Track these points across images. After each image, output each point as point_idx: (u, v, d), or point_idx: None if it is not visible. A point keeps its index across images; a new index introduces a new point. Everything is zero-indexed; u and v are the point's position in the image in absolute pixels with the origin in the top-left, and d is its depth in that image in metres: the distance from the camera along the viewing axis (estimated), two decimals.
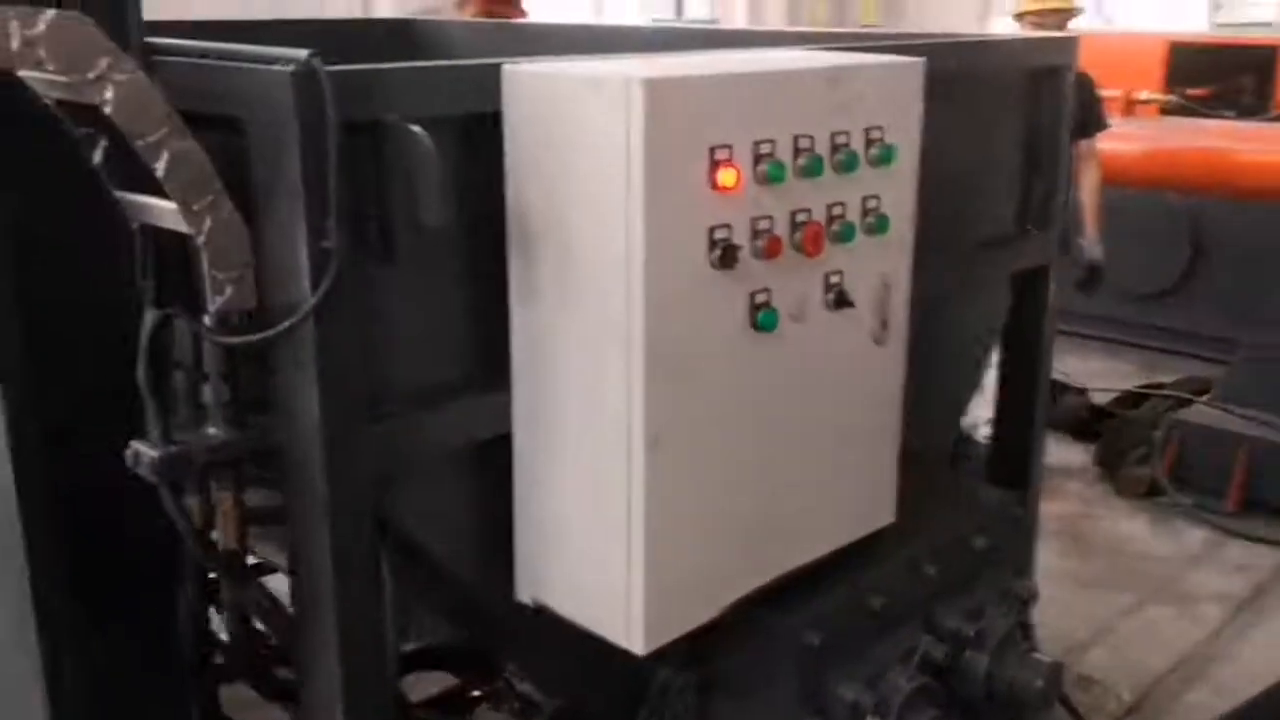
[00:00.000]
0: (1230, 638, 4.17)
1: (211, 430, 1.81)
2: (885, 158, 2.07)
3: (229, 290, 1.75)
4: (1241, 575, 4.60)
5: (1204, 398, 5.41)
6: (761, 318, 1.93)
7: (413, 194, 1.75)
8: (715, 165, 1.82)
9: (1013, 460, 3.19)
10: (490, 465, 2.03)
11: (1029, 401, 3.18)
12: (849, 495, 2.25)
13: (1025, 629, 2.54)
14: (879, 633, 2.28)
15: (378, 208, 1.79)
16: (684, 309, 1.84)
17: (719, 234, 1.85)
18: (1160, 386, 5.88)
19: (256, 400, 1.84)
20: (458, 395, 1.97)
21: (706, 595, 2.02)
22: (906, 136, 2.12)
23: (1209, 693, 3.77)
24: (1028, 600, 2.56)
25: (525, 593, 2.07)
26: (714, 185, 1.82)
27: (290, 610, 1.97)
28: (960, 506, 2.60)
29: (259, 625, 2.10)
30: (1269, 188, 5.72)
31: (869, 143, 2.04)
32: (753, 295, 1.93)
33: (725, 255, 1.84)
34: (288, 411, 1.81)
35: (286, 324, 1.71)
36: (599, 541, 1.92)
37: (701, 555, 1.98)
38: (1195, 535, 4.89)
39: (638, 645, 1.92)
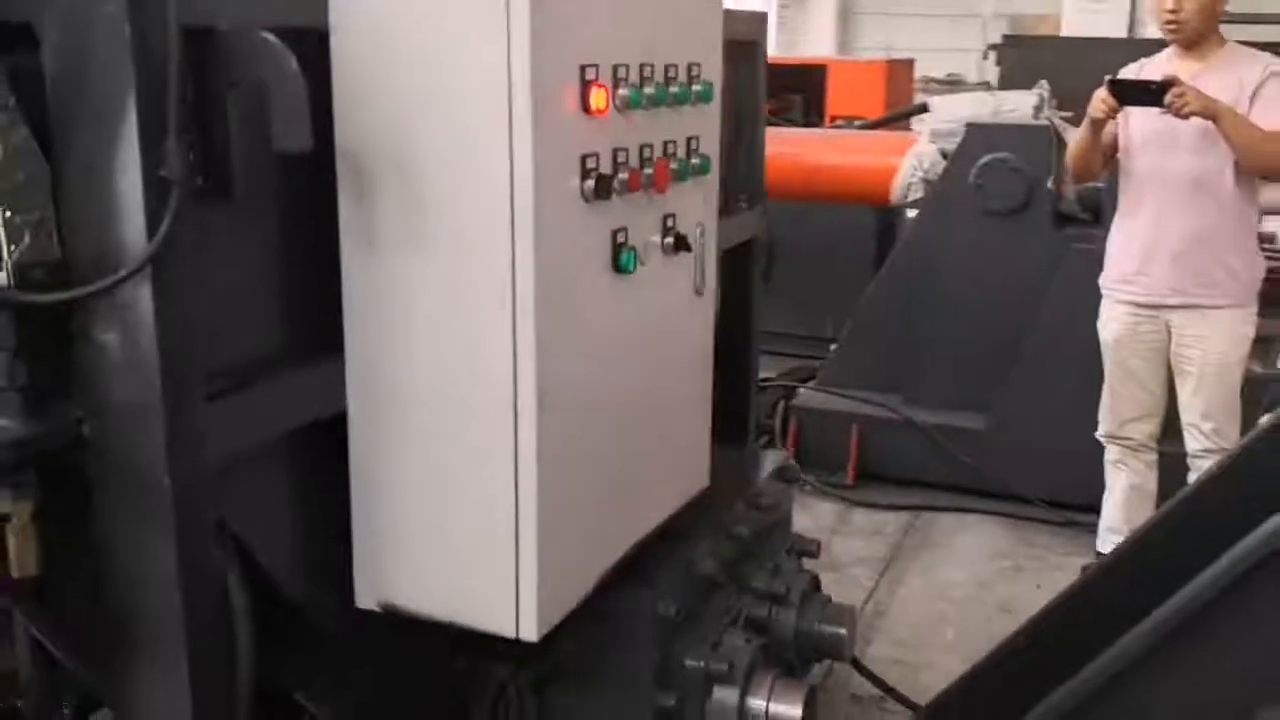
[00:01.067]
0: (884, 594, 4.48)
1: (3, 422, 1.40)
2: (706, 95, 2.00)
3: (27, 237, 1.36)
4: (876, 539, 4.97)
5: (811, 383, 5.80)
6: (623, 258, 1.80)
7: (262, 115, 1.46)
8: (587, 86, 1.67)
9: (734, 420, 3.22)
10: (317, 450, 1.74)
11: (743, 367, 3.24)
12: (679, 459, 2.15)
13: (815, 581, 2.56)
14: (708, 599, 2.20)
15: (208, 135, 1.47)
16: (563, 248, 1.67)
17: (589, 163, 1.70)
18: (767, 380, 6.25)
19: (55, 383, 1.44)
20: (304, 363, 1.67)
21: (583, 570, 1.84)
22: (716, 76, 2.07)
23: (889, 645, 4.01)
24: (814, 553, 2.58)
25: (368, 598, 1.79)
26: (586, 108, 1.67)
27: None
28: (742, 467, 2.58)
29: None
30: (837, 191, 6.26)
31: (691, 78, 1.97)
32: (615, 234, 1.79)
33: (599, 185, 1.69)
34: (109, 392, 1.43)
35: (124, 273, 1.36)
36: (473, 525, 1.69)
37: (580, 526, 1.80)
38: (826, 508, 5.22)
39: (530, 632, 1.71)
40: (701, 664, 2.06)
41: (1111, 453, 4.53)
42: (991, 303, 5.29)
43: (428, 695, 2.05)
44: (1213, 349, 4.12)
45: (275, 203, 1.63)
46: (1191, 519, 2.33)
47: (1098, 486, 4.65)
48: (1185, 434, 4.30)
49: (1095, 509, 4.70)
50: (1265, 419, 2.42)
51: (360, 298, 1.69)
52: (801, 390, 5.75)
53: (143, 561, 1.47)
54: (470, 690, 2.04)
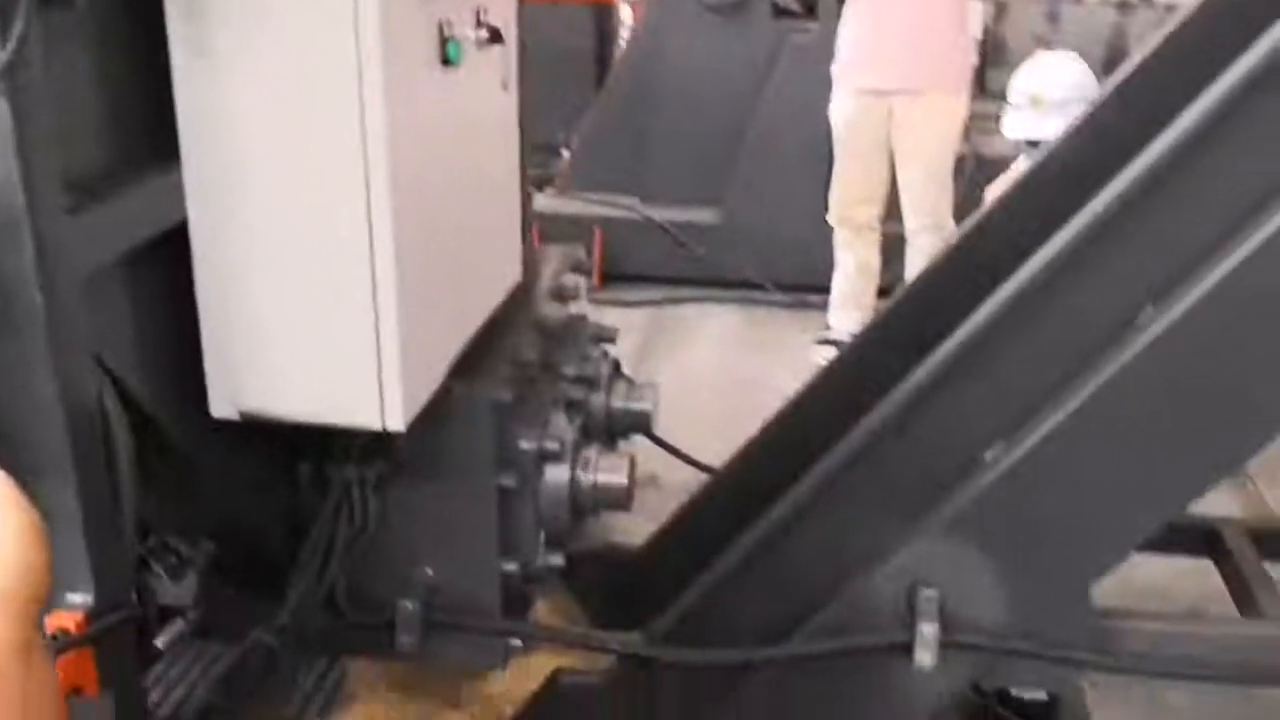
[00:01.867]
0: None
1: None
2: None
3: None
4: (627, 335, 5.13)
5: (549, 189, 5.87)
6: (450, 49, 1.80)
7: None
8: None
9: None
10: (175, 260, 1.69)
11: None
12: (500, 252, 2.20)
13: (616, 364, 2.70)
14: (532, 386, 2.29)
15: None
16: (401, 40, 1.65)
17: None
18: None
19: None
20: (161, 170, 1.61)
21: (436, 358, 1.89)
22: None
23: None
24: (613, 339, 2.71)
25: (225, 406, 1.78)
26: None
27: None
28: (539, 262, 2.65)
29: None
30: None
31: None
32: (440, 26, 1.78)
33: None
34: None
35: None
36: (330, 319, 1.70)
37: (431, 315, 1.84)
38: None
39: (396, 422, 1.76)
40: (535, 445, 2.16)
41: (840, 235, 4.87)
42: (717, 98, 5.48)
43: (272, 507, 2.07)
44: (931, 132, 4.46)
45: (117, 10, 1.54)
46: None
47: (825, 268, 5.01)
48: (905, 213, 4.68)
49: (824, 289, 5.07)
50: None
51: (196, 103, 1.63)
52: (541, 197, 5.80)
53: (18, 385, 1.42)
54: (312, 497, 2.07)
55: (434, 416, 2.00)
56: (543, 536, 2.22)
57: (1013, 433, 2.07)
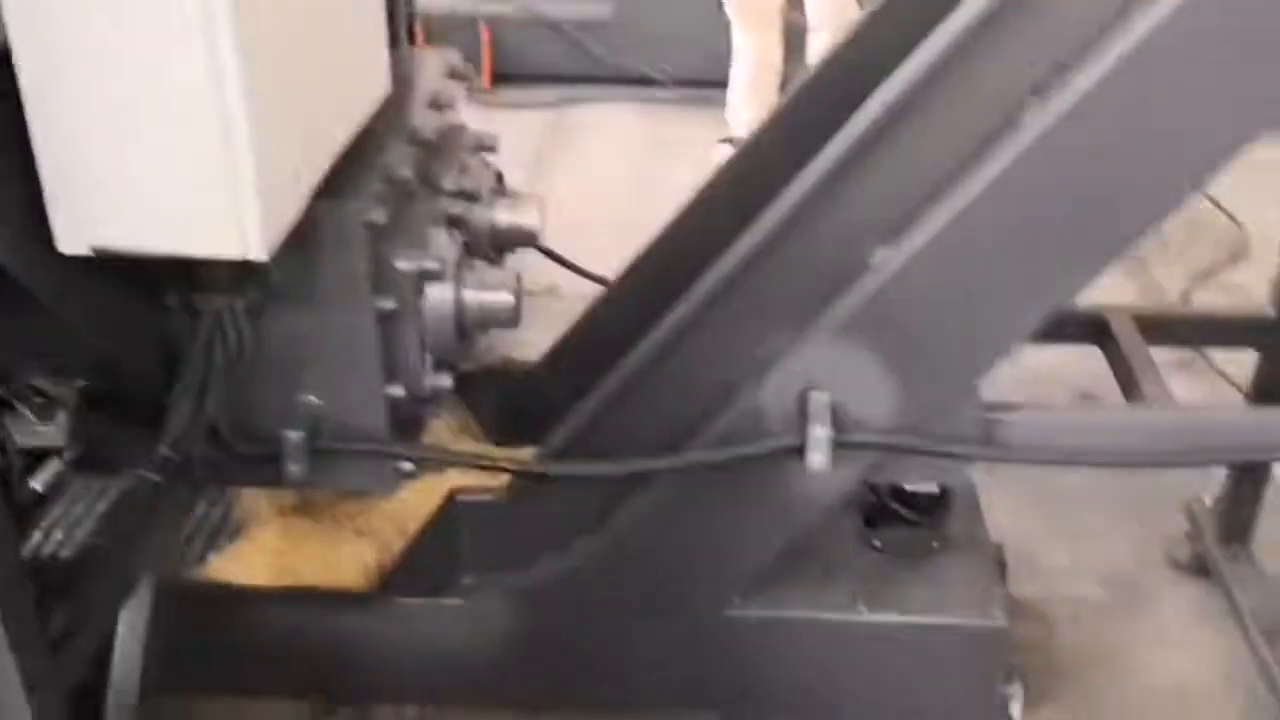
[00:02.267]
0: (542, 188, 4.60)
1: None
2: None
3: None
4: (522, 137, 5.04)
5: None
6: None
7: None
8: None
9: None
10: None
11: None
12: (363, 63, 2.07)
13: (499, 176, 2.60)
14: (408, 202, 2.20)
15: None
16: None
17: None
18: None
19: None
20: None
21: (298, 180, 1.78)
22: None
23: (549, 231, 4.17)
24: (494, 147, 2.60)
25: (74, 243, 1.67)
26: None
27: None
28: (412, 69, 2.51)
29: None
30: None
31: None
32: None
33: None
34: None
35: None
36: (180, 144, 1.58)
37: (289, 134, 1.72)
38: (466, 115, 5.20)
39: (259, 250, 1.67)
40: (414, 265, 2.09)
41: (738, 26, 4.72)
42: None
43: (144, 340, 1.98)
44: None
45: None
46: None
47: (723, 64, 4.87)
48: (805, 3, 4.54)
49: (721, 84, 4.95)
50: None
51: None
52: None
53: None
54: (184, 326, 1.99)
55: (303, 240, 1.91)
56: (429, 358, 2.17)
57: (899, 234, 2.04)
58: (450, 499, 2.39)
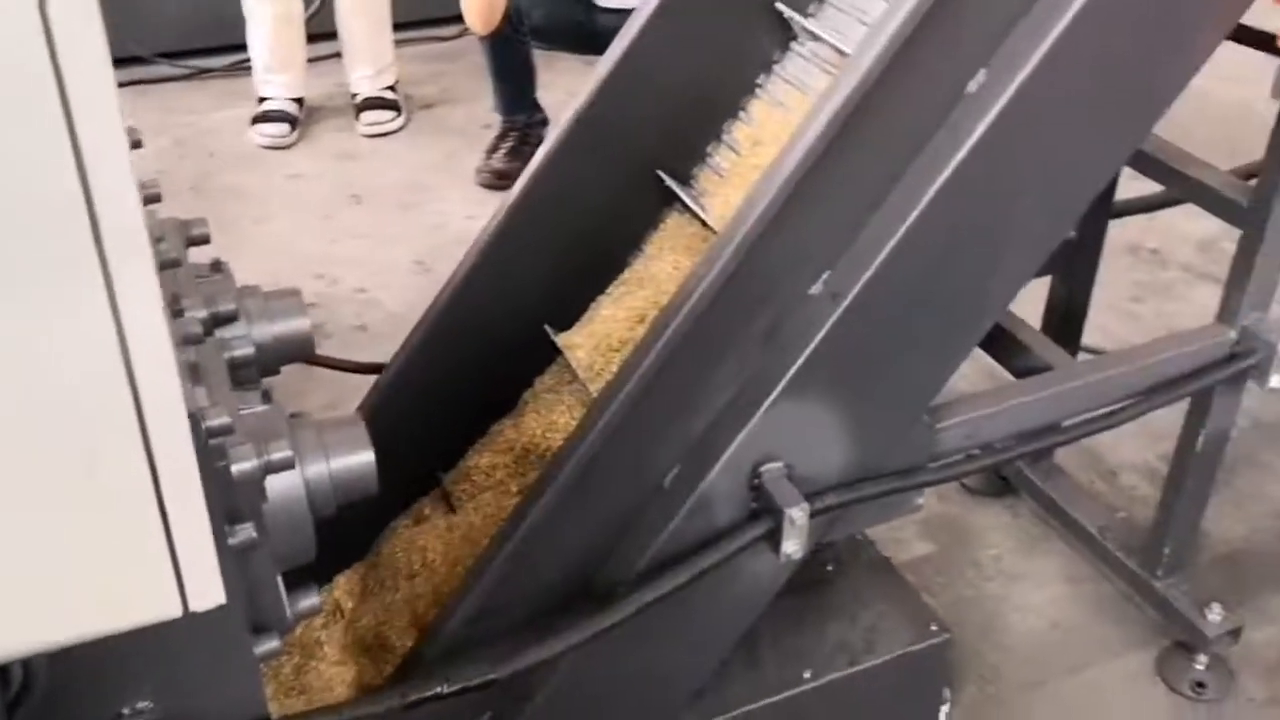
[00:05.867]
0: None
1: None
2: None
3: None
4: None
5: None
6: None
7: None
8: None
9: None
10: None
11: None
12: None
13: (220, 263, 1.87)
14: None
15: None
16: None
17: None
18: None
19: None
20: None
21: None
22: None
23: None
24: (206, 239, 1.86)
25: None
26: None
27: None
28: None
29: None
30: None
31: None
32: None
33: None
34: None
35: None
36: None
37: None
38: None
39: None
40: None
41: None
42: None
43: None
44: None
45: None
46: None
47: (234, 29, 4.12)
48: None
49: (235, 49, 4.18)
50: None
51: None
52: None
53: None
54: None
55: None
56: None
57: (836, 261, 1.70)
58: None
